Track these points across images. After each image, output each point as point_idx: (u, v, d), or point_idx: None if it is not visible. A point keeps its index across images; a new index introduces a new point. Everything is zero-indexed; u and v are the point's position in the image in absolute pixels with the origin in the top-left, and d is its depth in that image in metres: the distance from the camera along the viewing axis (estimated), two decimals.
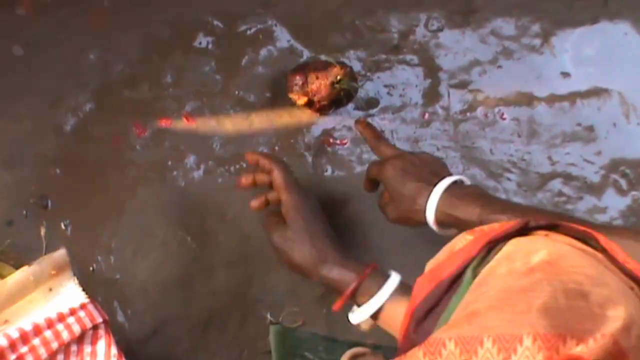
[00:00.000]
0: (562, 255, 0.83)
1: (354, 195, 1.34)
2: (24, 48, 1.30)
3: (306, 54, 1.39)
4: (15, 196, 1.24)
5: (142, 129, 1.32)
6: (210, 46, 1.37)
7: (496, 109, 1.41)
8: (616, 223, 1.38)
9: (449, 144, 1.39)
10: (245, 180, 1.23)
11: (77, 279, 1.10)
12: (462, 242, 0.96)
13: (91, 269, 1.25)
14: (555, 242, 0.88)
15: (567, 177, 1.39)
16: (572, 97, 1.42)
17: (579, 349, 0.71)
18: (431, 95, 1.40)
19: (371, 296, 1.11)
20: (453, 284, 0.90)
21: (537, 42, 1.43)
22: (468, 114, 1.40)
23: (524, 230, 0.91)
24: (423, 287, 0.93)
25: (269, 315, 1.30)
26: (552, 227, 0.92)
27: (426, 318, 0.91)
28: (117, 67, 1.33)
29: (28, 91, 1.29)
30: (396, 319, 1.08)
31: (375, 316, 1.12)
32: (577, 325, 0.73)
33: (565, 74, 1.43)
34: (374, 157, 1.30)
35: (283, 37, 1.39)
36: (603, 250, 0.88)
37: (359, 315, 1.13)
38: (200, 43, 1.37)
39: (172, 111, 1.33)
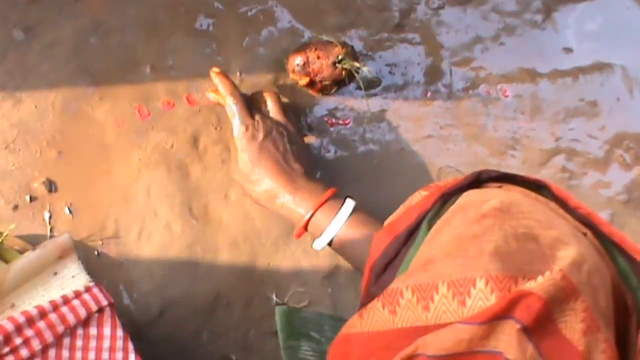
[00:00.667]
0: (513, 203, 0.85)
1: (356, 176, 1.34)
2: (24, 32, 1.30)
3: (307, 35, 1.38)
4: (19, 181, 1.24)
5: (145, 112, 1.31)
6: (211, 28, 1.36)
7: (499, 86, 1.40)
8: (620, 198, 1.37)
9: (452, 121, 1.38)
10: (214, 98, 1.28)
11: (82, 262, 1.10)
12: (417, 198, 0.98)
13: (96, 252, 1.25)
14: (508, 191, 0.90)
15: (571, 153, 1.39)
16: (575, 72, 1.42)
17: (528, 285, 0.72)
18: (433, 74, 1.40)
19: (328, 223, 1.13)
20: (410, 237, 0.92)
21: (539, 17, 1.42)
22: (470, 91, 1.40)
23: (476, 183, 0.94)
24: (381, 241, 0.96)
25: (274, 296, 1.30)
26: (504, 179, 0.94)
27: (385, 271, 0.93)
28: (118, 51, 1.33)
29: (29, 76, 1.29)
30: (349, 246, 1.10)
31: (331, 243, 1.14)
32: (528, 267, 0.76)
33: (568, 50, 1.42)
34: (378, 137, 1.30)
35: (284, 18, 1.38)
36: (556, 199, 0.89)
37: (319, 242, 1.15)
38: (201, 25, 1.36)
39: (174, 93, 1.33)
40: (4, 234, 1.17)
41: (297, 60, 1.28)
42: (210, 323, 1.28)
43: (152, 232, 1.28)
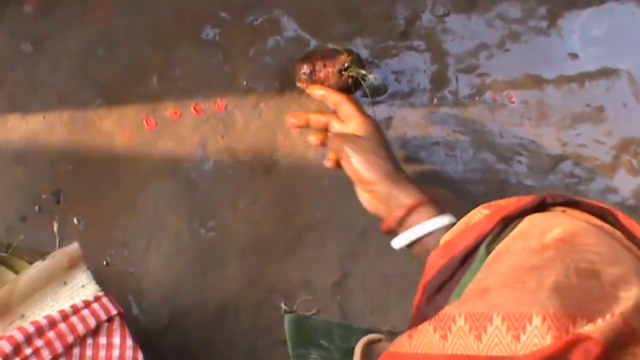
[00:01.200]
0: (577, 233, 0.83)
1: None
2: (32, 45, 1.31)
3: (313, 43, 1.39)
4: (28, 192, 1.25)
5: (152, 122, 1.32)
6: (217, 37, 1.37)
7: (505, 93, 1.40)
8: (628, 203, 1.37)
9: (459, 128, 1.39)
10: (298, 120, 1.26)
11: (91, 272, 1.11)
12: (478, 216, 0.95)
13: (105, 262, 1.26)
14: (572, 218, 0.87)
15: (578, 159, 1.39)
16: (581, 78, 1.42)
17: (587, 328, 0.70)
18: (439, 81, 1.40)
19: (418, 223, 1.10)
20: (466, 259, 0.91)
21: (544, 24, 1.43)
22: (476, 98, 1.40)
23: (540, 207, 0.91)
24: (436, 261, 0.94)
25: (283, 304, 1.30)
26: (570, 204, 0.91)
27: (438, 292, 0.92)
28: (124, 62, 1.34)
29: (37, 88, 1.30)
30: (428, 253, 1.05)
31: (412, 245, 1.11)
32: (587, 305, 0.73)
33: (574, 55, 1.42)
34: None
35: (290, 27, 1.39)
36: (622, 228, 0.87)
37: (400, 240, 1.12)
38: (207, 35, 1.37)
39: (181, 103, 1.34)
40: (13, 245, 1.17)
41: (304, 68, 1.29)
42: (220, 332, 1.29)
43: (160, 242, 1.28)
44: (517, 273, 0.79)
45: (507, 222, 0.91)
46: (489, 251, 0.89)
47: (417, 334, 0.84)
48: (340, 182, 1.31)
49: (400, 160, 1.25)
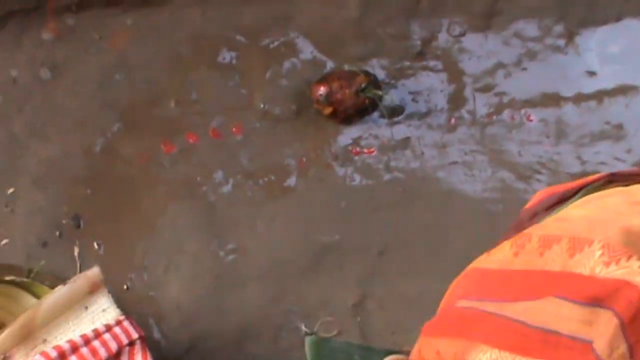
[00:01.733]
0: None
1: (382, 204, 1.34)
2: (51, 71, 1.32)
3: (329, 65, 1.39)
4: (48, 217, 1.25)
5: (170, 145, 1.32)
6: (233, 61, 1.37)
7: (522, 111, 1.40)
8: None
9: (477, 147, 1.38)
10: None
11: (112, 296, 1.10)
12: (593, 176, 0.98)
13: (125, 286, 1.26)
14: None
15: None
16: (599, 95, 1.41)
17: (636, 266, 0.72)
18: (456, 100, 1.40)
19: None
20: (566, 198, 0.94)
21: (561, 42, 1.42)
22: (494, 117, 1.40)
23: None
24: (539, 195, 0.97)
25: (303, 326, 1.30)
26: None
27: (530, 220, 0.95)
28: (142, 86, 1.34)
29: (56, 113, 1.30)
30: None
31: None
32: None
33: (591, 73, 1.42)
34: (403, 165, 1.30)
35: (306, 49, 1.39)
36: None
37: None
38: (223, 58, 1.37)
39: (199, 127, 1.34)
40: (34, 271, 1.17)
41: (321, 90, 1.29)
42: (240, 356, 1.28)
43: (179, 265, 1.28)
44: (601, 211, 0.83)
45: (614, 179, 0.93)
46: (586, 194, 0.92)
47: (495, 250, 0.89)
48: (358, 203, 1.31)
49: (418, 180, 1.25)
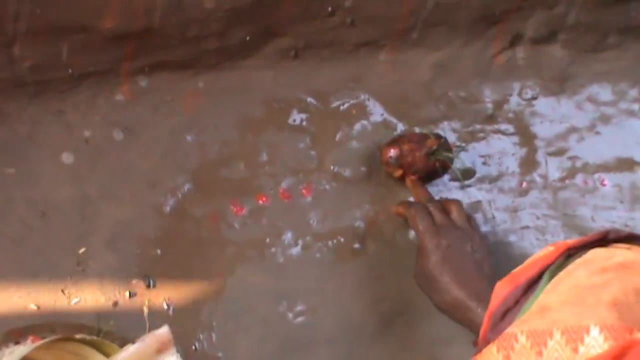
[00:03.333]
0: (638, 260, 0.86)
1: None
2: (123, 132, 1.33)
3: (400, 127, 1.39)
4: (119, 277, 1.25)
5: (240, 207, 1.33)
6: (304, 123, 1.38)
7: (596, 175, 1.39)
8: None
9: (549, 212, 1.37)
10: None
11: (181, 356, 1.10)
12: (544, 252, 0.98)
13: (194, 347, 1.25)
14: (637, 252, 0.90)
15: None
16: None
17: None
18: (528, 164, 1.39)
19: None
20: (530, 287, 0.93)
21: (635, 106, 1.41)
22: (567, 181, 1.38)
23: (604, 242, 0.94)
24: (501, 290, 0.96)
25: None
26: (633, 239, 0.94)
27: (503, 319, 0.93)
28: (212, 147, 1.35)
29: (128, 174, 1.31)
30: None
31: None
32: None
33: None
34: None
35: (376, 111, 1.39)
36: None
37: None
38: (294, 120, 1.38)
39: (269, 188, 1.34)
40: (104, 330, 1.18)
41: (391, 152, 1.29)
42: None
43: (248, 327, 1.27)
44: (577, 291, 0.82)
45: (571, 253, 0.93)
46: (551, 277, 0.91)
47: (481, 357, 0.88)
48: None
49: (490, 244, 1.23)
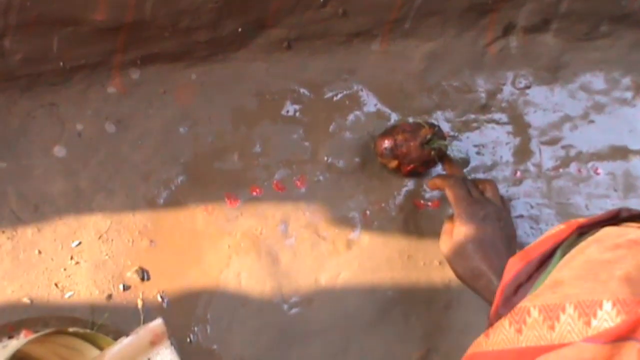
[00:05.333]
0: None
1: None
2: (115, 125, 1.33)
3: (394, 117, 1.39)
4: (113, 270, 1.25)
5: (234, 198, 1.32)
6: (297, 114, 1.38)
7: (590, 164, 1.38)
8: None
9: (543, 201, 1.37)
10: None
11: (175, 349, 1.10)
12: (556, 230, 0.99)
13: (188, 340, 1.25)
14: None
15: None
16: None
17: None
18: (522, 153, 1.39)
19: None
20: (543, 263, 0.94)
21: (628, 94, 1.41)
22: (561, 170, 1.38)
23: (615, 221, 0.95)
24: (514, 265, 0.97)
25: None
26: None
27: (516, 294, 0.95)
28: (206, 139, 1.35)
29: (121, 167, 1.31)
30: None
31: None
32: None
33: None
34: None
35: (370, 102, 1.39)
36: None
37: None
38: (287, 111, 1.38)
39: (262, 180, 1.34)
40: (98, 323, 1.17)
41: (385, 143, 1.29)
42: None
43: (243, 319, 1.27)
44: (589, 266, 0.83)
45: (583, 231, 0.94)
46: (564, 254, 0.92)
47: (493, 331, 0.88)
48: (424, 255, 1.30)
49: None
